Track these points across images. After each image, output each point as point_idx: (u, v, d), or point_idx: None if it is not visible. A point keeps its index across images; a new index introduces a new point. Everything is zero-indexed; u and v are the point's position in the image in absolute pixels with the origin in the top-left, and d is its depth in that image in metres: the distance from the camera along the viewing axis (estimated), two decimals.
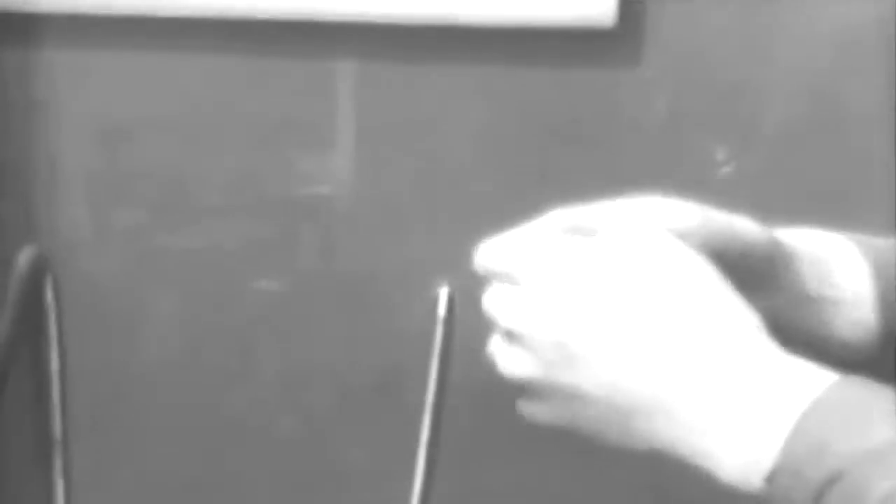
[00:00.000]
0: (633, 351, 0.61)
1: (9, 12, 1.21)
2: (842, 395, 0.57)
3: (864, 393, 0.57)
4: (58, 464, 1.32)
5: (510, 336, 0.66)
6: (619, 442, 0.63)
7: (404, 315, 1.26)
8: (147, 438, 1.33)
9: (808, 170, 1.19)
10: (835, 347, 0.71)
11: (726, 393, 0.59)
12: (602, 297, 0.62)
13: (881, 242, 0.74)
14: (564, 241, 0.66)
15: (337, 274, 1.27)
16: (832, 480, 0.54)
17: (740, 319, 0.61)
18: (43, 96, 1.25)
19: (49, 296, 1.28)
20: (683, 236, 0.66)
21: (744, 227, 0.69)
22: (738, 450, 0.58)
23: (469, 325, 1.25)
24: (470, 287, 1.24)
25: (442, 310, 1.25)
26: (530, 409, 0.67)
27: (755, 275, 0.67)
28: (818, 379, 0.58)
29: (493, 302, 0.67)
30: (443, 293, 1.25)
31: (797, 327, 0.69)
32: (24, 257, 1.27)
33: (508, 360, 0.66)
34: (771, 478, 0.57)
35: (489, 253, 0.69)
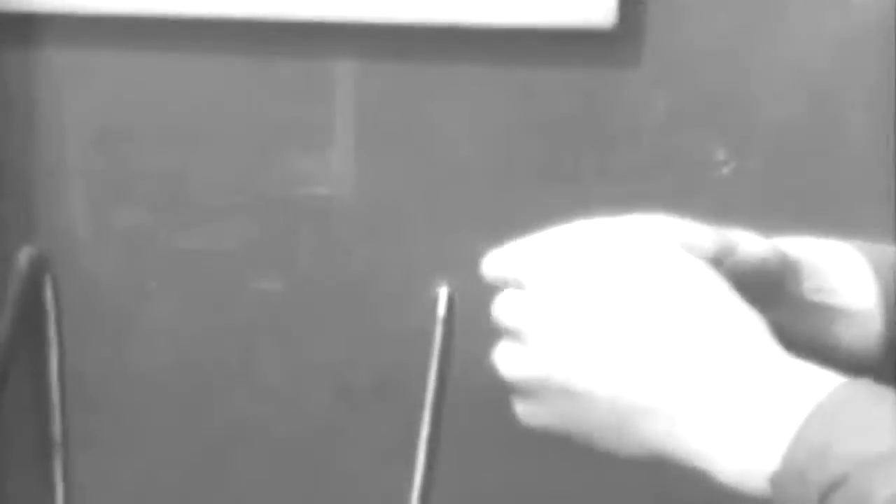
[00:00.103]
0: (634, 352, 0.61)
1: (9, 12, 1.21)
2: (846, 398, 0.57)
3: (869, 396, 0.57)
4: (57, 464, 1.32)
5: (512, 336, 0.66)
6: (612, 446, 0.63)
7: (404, 315, 1.26)
8: (147, 439, 1.33)
9: (807, 170, 1.19)
10: (840, 355, 0.70)
11: (728, 395, 0.59)
12: (604, 300, 0.62)
13: (884, 248, 0.74)
14: (573, 249, 0.66)
15: (337, 274, 1.27)
16: (836, 484, 0.54)
17: (745, 323, 0.61)
18: (43, 96, 1.25)
19: (49, 296, 1.28)
20: (697, 255, 0.66)
21: (752, 243, 0.69)
22: (739, 452, 0.58)
23: (469, 325, 1.25)
24: (470, 287, 1.25)
25: (441, 310, 1.25)
26: (526, 411, 0.67)
27: (763, 289, 0.67)
28: (822, 382, 0.58)
29: (501, 305, 0.67)
30: (442, 293, 1.25)
31: (802, 336, 0.69)
32: (23, 257, 1.27)
33: (508, 360, 0.66)
34: (774, 480, 0.57)
35: (501, 259, 0.69)
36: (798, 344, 0.65)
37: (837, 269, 0.72)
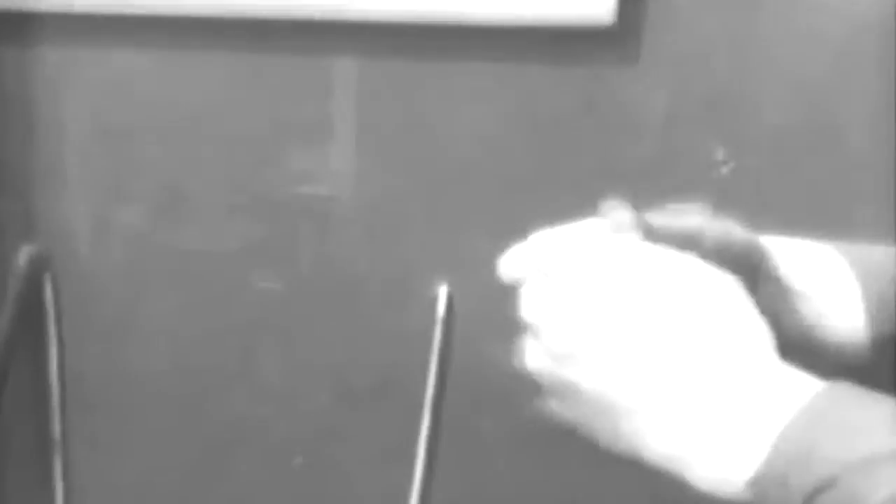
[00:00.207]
0: (625, 351, 0.61)
1: (9, 12, 1.21)
2: (829, 401, 0.57)
3: (852, 399, 0.57)
4: (57, 463, 1.32)
5: (529, 328, 0.67)
6: (606, 443, 0.63)
7: (404, 315, 1.26)
8: (146, 438, 1.33)
9: (806, 169, 1.19)
10: (826, 351, 0.71)
11: (708, 400, 0.59)
12: (613, 299, 0.62)
13: (869, 249, 0.74)
14: (597, 244, 0.66)
15: (336, 274, 1.27)
16: (823, 487, 0.54)
17: (746, 333, 0.61)
18: (42, 95, 1.25)
19: (48, 295, 1.28)
20: (695, 232, 0.67)
21: (739, 227, 0.70)
22: (716, 457, 0.58)
23: (469, 325, 1.25)
24: (470, 287, 1.25)
25: (441, 310, 1.25)
26: (546, 405, 0.67)
27: (748, 275, 0.68)
28: (803, 387, 0.58)
29: (523, 297, 0.68)
30: (442, 293, 1.25)
31: (787, 329, 0.70)
32: (23, 256, 1.27)
33: (524, 351, 0.67)
34: (754, 484, 0.56)
35: (520, 254, 0.69)
36: (788, 337, 0.66)
37: (813, 262, 0.72)
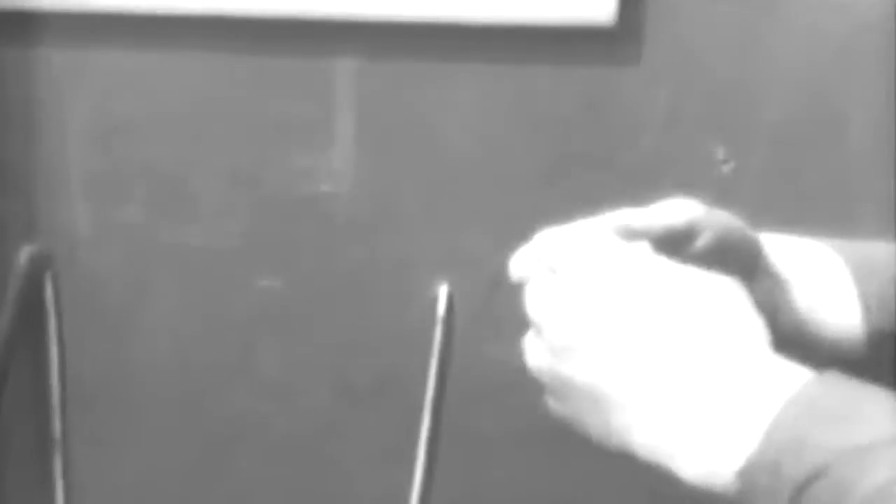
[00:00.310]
0: (622, 346, 0.61)
1: (8, 11, 1.21)
2: (819, 391, 0.57)
3: (841, 389, 0.57)
4: (57, 462, 1.32)
5: (531, 325, 0.67)
6: (599, 438, 0.63)
7: (404, 314, 1.26)
8: (147, 437, 1.33)
9: (807, 168, 1.19)
10: (821, 345, 0.71)
11: (697, 393, 0.59)
12: (614, 295, 0.63)
13: (865, 245, 0.75)
14: (603, 243, 0.66)
15: (336, 272, 1.27)
16: (815, 476, 0.54)
17: (741, 331, 0.61)
18: (43, 95, 1.25)
19: (49, 294, 1.28)
20: (691, 229, 0.67)
21: (735, 220, 0.71)
22: (705, 449, 0.58)
23: (469, 325, 1.26)
24: (470, 286, 1.25)
25: (442, 309, 1.25)
26: (547, 403, 0.68)
27: (743, 267, 0.68)
28: (792, 377, 0.58)
29: (528, 294, 0.68)
30: (443, 293, 1.25)
31: (782, 321, 0.70)
32: (24, 255, 1.27)
33: (527, 349, 0.67)
34: (744, 474, 0.57)
35: (527, 255, 0.69)
36: (783, 330, 0.66)
37: (807, 258, 0.73)
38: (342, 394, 1.29)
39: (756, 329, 0.62)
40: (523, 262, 0.69)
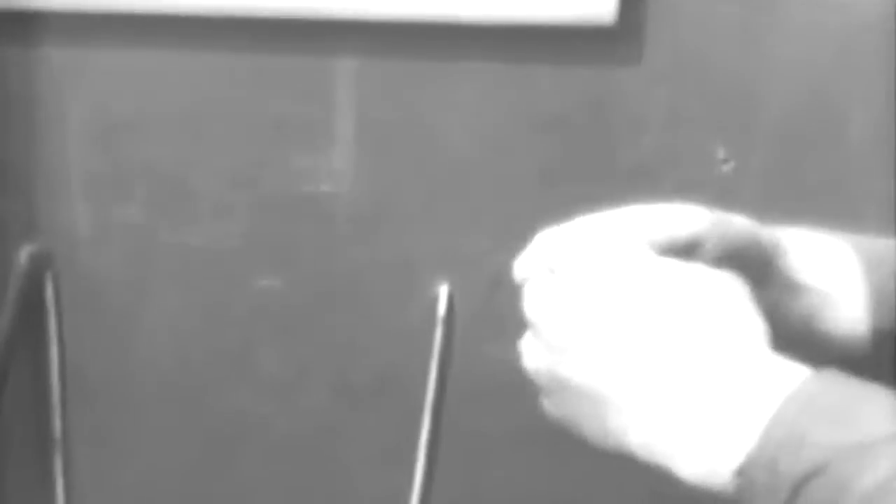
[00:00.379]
0: (619, 346, 0.61)
1: (9, 10, 1.21)
2: (818, 388, 0.57)
3: (840, 386, 0.57)
4: (58, 462, 1.32)
5: (530, 326, 0.67)
6: (596, 439, 0.63)
7: (404, 314, 1.26)
8: (147, 436, 1.33)
9: (807, 168, 1.19)
10: (830, 343, 0.71)
11: (695, 391, 0.59)
12: (612, 295, 0.63)
13: (873, 242, 0.75)
14: (599, 244, 0.66)
15: (336, 272, 1.27)
16: (814, 473, 0.54)
17: (739, 330, 0.61)
18: (43, 94, 1.25)
19: (49, 293, 1.28)
20: (702, 239, 0.67)
21: (746, 224, 0.70)
22: (704, 447, 0.58)
23: (469, 325, 1.25)
24: (470, 286, 1.25)
25: (442, 309, 1.25)
26: (544, 404, 0.68)
27: (756, 269, 0.68)
28: (790, 375, 0.58)
29: (527, 295, 0.68)
30: (443, 292, 1.25)
31: (791, 322, 0.70)
32: (24, 254, 1.27)
33: (525, 350, 0.67)
34: (742, 472, 0.57)
35: (528, 256, 0.69)
36: (786, 330, 0.66)
37: (822, 256, 0.73)
38: (342, 394, 1.29)
39: (755, 326, 0.62)
40: (526, 265, 0.69)
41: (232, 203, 1.26)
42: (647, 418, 0.60)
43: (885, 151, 1.12)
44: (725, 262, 0.66)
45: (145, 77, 1.24)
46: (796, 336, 0.68)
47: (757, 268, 0.69)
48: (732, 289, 0.63)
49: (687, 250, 0.67)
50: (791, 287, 0.71)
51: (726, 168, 1.19)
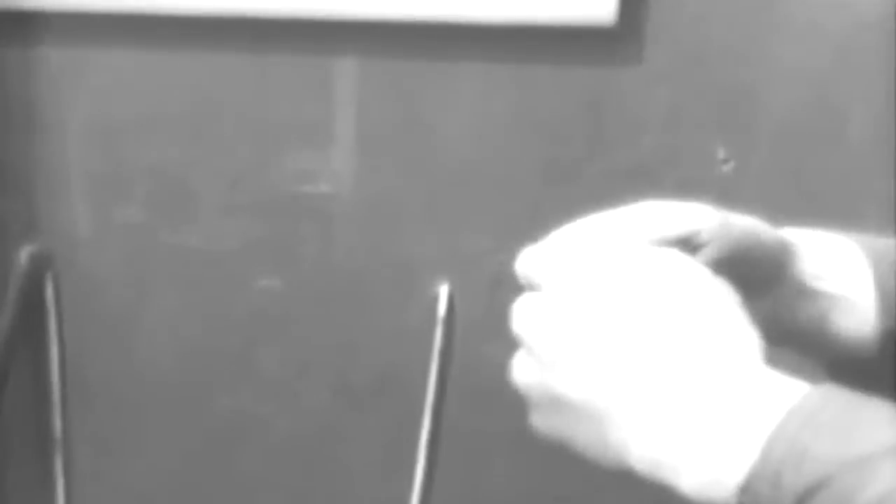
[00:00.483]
0: (613, 360, 0.61)
1: (8, 11, 1.21)
2: (819, 402, 0.57)
3: (842, 400, 0.57)
4: (58, 461, 1.32)
5: (521, 343, 0.66)
6: (595, 454, 0.63)
7: (404, 314, 1.26)
8: (147, 436, 1.33)
9: (808, 168, 1.19)
10: (838, 344, 0.71)
11: (695, 406, 0.58)
12: (601, 307, 0.62)
13: (882, 242, 0.74)
14: (582, 254, 0.66)
15: (337, 272, 1.27)
16: (817, 487, 0.54)
17: (733, 340, 0.61)
18: (43, 95, 1.25)
19: (49, 293, 1.28)
20: (704, 239, 0.67)
21: (754, 225, 0.70)
22: (705, 462, 0.58)
23: (469, 325, 1.25)
24: (470, 286, 1.25)
25: (442, 309, 1.25)
26: (533, 420, 0.67)
27: (763, 271, 0.68)
28: (792, 389, 0.58)
29: (515, 312, 0.67)
30: (443, 293, 1.25)
31: (798, 323, 0.70)
32: (24, 255, 1.27)
33: (516, 365, 0.66)
34: (745, 486, 0.56)
35: (524, 262, 0.69)
36: (793, 331, 0.65)
37: (834, 258, 0.72)
38: (342, 394, 1.29)
39: (749, 338, 0.62)
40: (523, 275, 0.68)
41: (232, 204, 1.26)
42: (648, 433, 0.60)
43: (885, 151, 1.12)
44: (729, 262, 0.66)
45: (145, 77, 1.24)
46: (803, 338, 0.67)
47: (763, 269, 0.69)
48: (725, 298, 0.63)
49: (691, 248, 0.67)
50: (803, 290, 0.71)
51: (726, 168, 1.19)
